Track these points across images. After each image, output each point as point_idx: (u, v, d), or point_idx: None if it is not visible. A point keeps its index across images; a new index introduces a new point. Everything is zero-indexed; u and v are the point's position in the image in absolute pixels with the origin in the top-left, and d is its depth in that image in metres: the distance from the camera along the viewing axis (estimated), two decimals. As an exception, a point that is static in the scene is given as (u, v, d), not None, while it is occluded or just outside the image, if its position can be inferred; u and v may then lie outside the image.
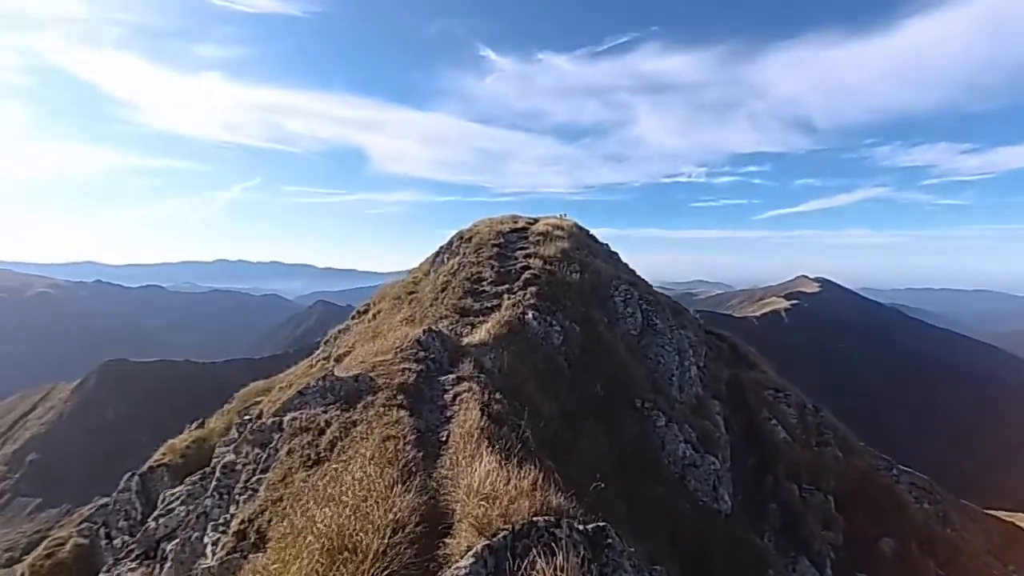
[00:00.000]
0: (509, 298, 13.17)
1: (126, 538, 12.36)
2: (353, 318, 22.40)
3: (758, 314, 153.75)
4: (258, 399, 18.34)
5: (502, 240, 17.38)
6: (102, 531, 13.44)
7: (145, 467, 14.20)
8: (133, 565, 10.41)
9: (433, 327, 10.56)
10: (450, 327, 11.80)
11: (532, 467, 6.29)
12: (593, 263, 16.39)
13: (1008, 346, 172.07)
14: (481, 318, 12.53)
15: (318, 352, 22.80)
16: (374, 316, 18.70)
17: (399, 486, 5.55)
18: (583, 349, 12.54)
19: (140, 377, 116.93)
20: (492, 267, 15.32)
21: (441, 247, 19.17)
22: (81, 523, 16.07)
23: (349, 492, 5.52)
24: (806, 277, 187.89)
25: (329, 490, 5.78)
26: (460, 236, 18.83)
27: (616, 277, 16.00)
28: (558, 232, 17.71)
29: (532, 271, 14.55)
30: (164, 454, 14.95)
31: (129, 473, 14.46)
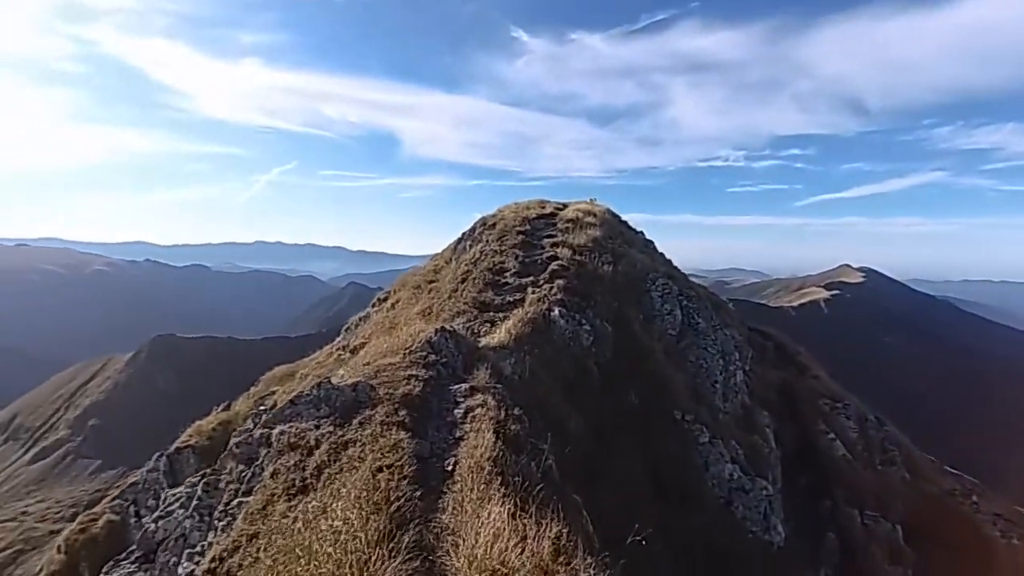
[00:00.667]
0: (534, 292, 11.85)
1: (149, 522, 12.01)
2: (374, 305, 21.59)
3: (795, 304, 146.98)
4: (276, 388, 17.87)
5: (528, 227, 15.98)
6: (132, 509, 13.16)
7: (172, 447, 13.82)
8: (132, 568, 9.86)
9: (447, 326, 9.36)
10: (467, 324, 10.60)
11: (555, 514, 5.03)
12: (628, 253, 14.84)
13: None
14: (502, 314, 11.28)
15: (339, 339, 22.16)
16: (393, 305, 17.74)
17: (385, 544, 4.39)
18: (616, 351, 11.15)
19: (188, 352, 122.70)
20: (516, 257, 14.00)
21: (463, 234, 17.94)
22: (113, 499, 16.05)
23: (326, 546, 4.43)
24: (849, 266, 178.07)
25: (305, 539, 4.71)
26: (483, 223, 17.53)
27: (653, 269, 14.43)
28: (589, 219, 16.17)
29: (560, 262, 13.15)
30: (191, 435, 14.55)
31: (158, 453, 14.13)
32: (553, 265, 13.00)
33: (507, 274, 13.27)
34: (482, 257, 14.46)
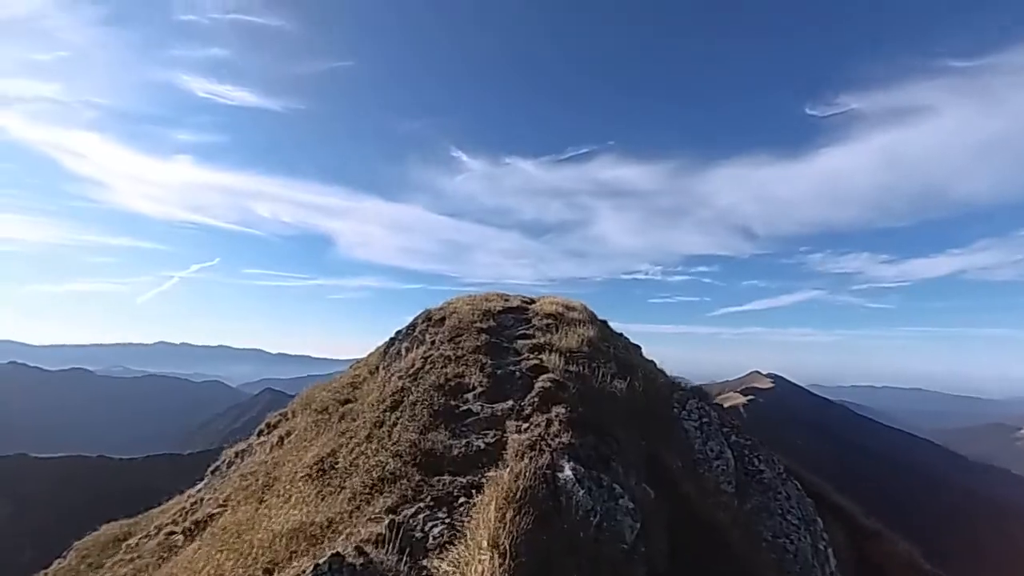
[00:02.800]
0: (521, 429, 6.66)
1: None
2: (260, 433, 14.80)
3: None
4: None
5: (493, 323, 11.11)
6: None
7: None
8: None
9: (348, 553, 3.76)
10: (398, 519, 5.00)
11: None
12: (637, 361, 10.28)
13: (950, 443, 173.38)
14: (468, 477, 5.86)
15: (198, 487, 14.69)
16: (282, 440, 11.39)
17: None
18: (675, 545, 5.91)
19: (34, 474, 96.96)
20: (481, 367, 8.90)
21: (398, 332, 12.66)
22: None
23: None
24: (759, 373, 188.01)
25: None
26: (428, 317, 12.46)
27: (675, 385, 9.84)
28: (574, 314, 11.69)
29: (551, 375, 8.17)
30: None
31: None
32: (542, 381, 7.97)
33: (469, 395, 8.03)
34: (427, 367, 9.20)
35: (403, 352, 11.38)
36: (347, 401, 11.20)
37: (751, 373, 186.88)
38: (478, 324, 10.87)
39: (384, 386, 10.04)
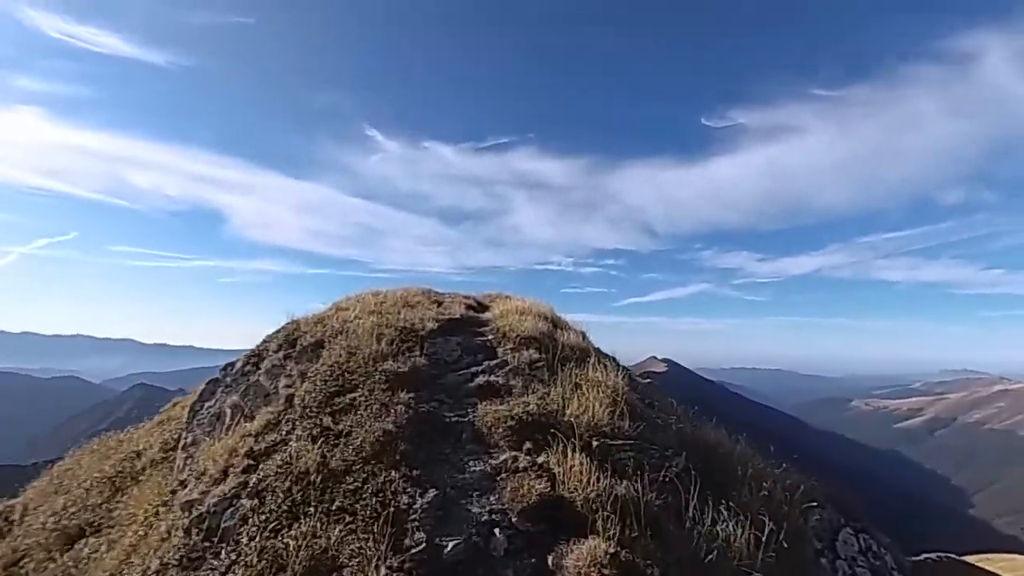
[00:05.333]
0: None
1: None
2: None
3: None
4: None
5: (418, 360, 5.52)
6: None
7: None
8: None
9: None
10: None
11: None
12: (714, 439, 5.38)
13: (798, 414, 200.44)
14: None
15: None
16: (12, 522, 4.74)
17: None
18: None
19: None
20: (408, 479, 3.41)
21: (225, 371, 6.54)
22: None
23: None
24: (655, 358, 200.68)
25: None
26: (290, 340, 6.49)
27: (807, 495, 5.06)
28: (569, 337, 6.46)
29: (600, 551, 2.97)
30: None
31: None
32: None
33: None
34: (264, 491, 3.45)
35: (224, 419, 5.40)
36: (120, 486, 5.02)
37: (649, 359, 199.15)
38: (390, 366, 5.22)
39: (169, 511, 4.17)
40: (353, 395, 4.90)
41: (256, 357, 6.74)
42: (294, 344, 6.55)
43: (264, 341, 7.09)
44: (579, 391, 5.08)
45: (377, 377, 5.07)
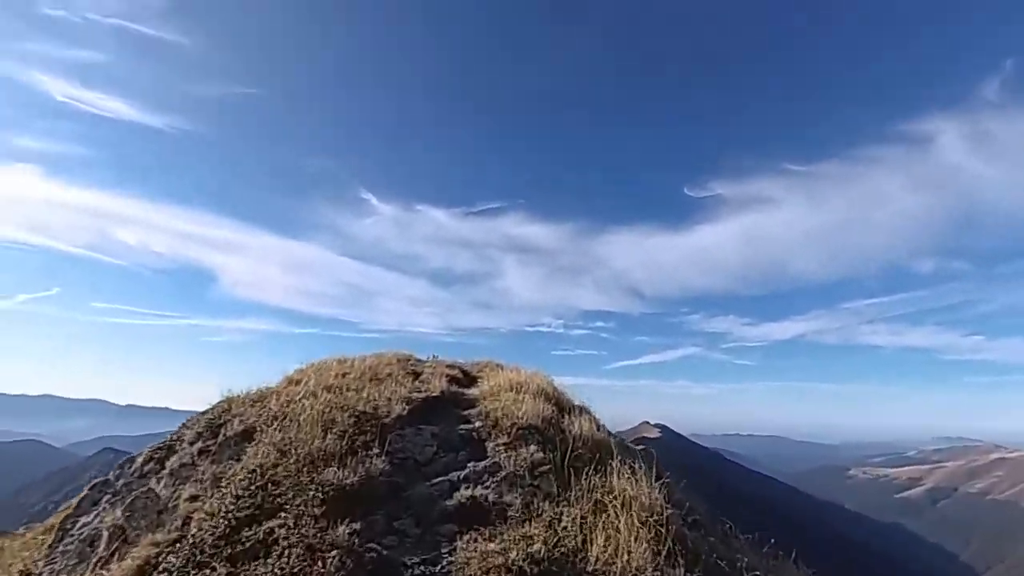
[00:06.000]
0: None
1: None
2: None
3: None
4: None
5: (379, 464, 3.94)
6: None
7: None
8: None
9: None
10: None
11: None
12: None
13: (800, 485, 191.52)
14: None
15: None
16: None
17: None
18: None
19: None
20: None
21: (121, 468, 4.84)
22: None
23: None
24: (648, 423, 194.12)
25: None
26: (213, 427, 4.86)
27: None
28: (588, 428, 4.93)
29: None
30: None
31: None
32: None
33: None
34: None
35: (97, 548, 3.68)
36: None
37: (642, 423, 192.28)
38: (333, 475, 3.61)
39: None
40: (272, 524, 3.27)
41: (164, 450, 5.05)
42: (217, 432, 4.90)
43: (182, 427, 5.43)
44: (603, 514, 3.50)
45: (311, 494, 3.45)
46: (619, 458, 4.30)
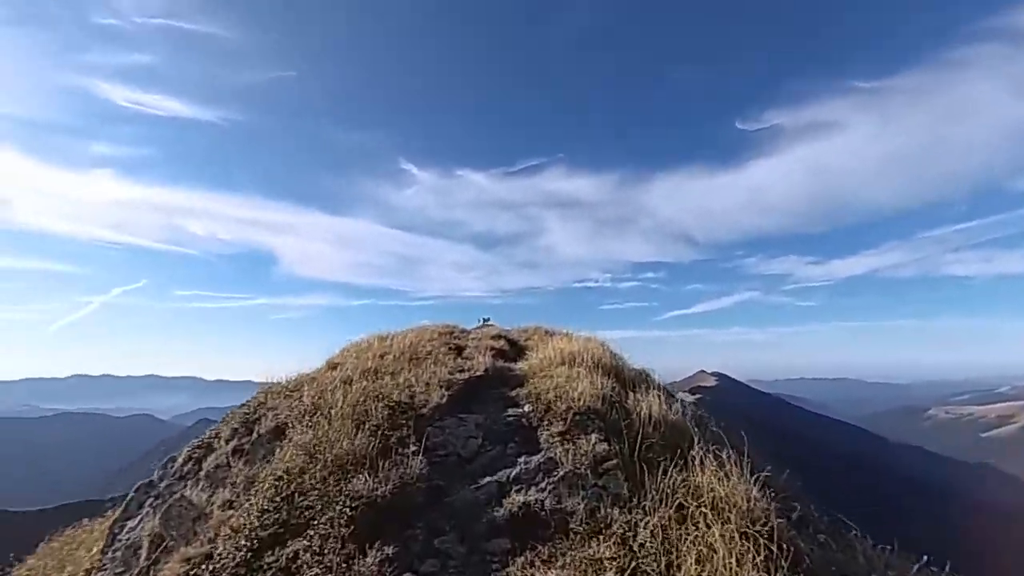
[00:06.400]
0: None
1: None
2: None
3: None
4: None
5: (401, 468, 3.40)
6: None
7: None
8: None
9: None
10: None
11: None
12: None
13: (872, 427, 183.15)
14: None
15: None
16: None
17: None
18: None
19: None
20: None
21: (164, 469, 4.68)
22: None
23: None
24: (704, 372, 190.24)
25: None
26: (248, 423, 4.56)
27: None
28: (657, 408, 4.15)
29: None
30: None
31: None
32: None
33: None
34: None
35: (140, 556, 3.49)
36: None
37: (698, 373, 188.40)
38: (362, 485, 3.10)
39: None
40: (296, 546, 2.83)
41: (203, 449, 4.83)
42: (252, 429, 4.60)
43: (221, 422, 5.20)
44: (690, 524, 2.78)
45: (339, 508, 2.98)
46: (701, 445, 3.51)
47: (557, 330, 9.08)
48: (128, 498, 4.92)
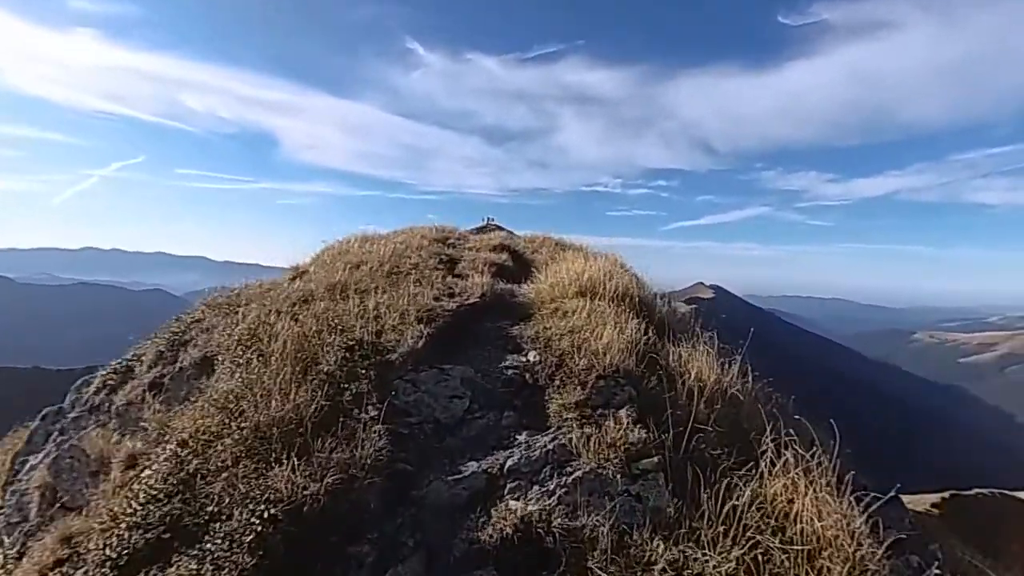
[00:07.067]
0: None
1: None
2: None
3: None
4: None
5: (353, 450, 2.40)
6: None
7: None
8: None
9: None
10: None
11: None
12: None
13: (857, 346, 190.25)
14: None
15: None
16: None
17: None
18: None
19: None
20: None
21: (77, 393, 3.76)
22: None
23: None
24: (703, 284, 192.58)
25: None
26: (174, 344, 3.55)
27: None
28: (708, 369, 3.08)
29: None
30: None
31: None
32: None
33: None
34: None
35: (27, 513, 2.67)
36: None
37: (696, 284, 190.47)
38: (287, 493, 2.10)
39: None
40: (176, 574, 1.89)
41: (120, 375, 3.87)
42: (176, 355, 3.58)
43: (151, 340, 4.19)
44: (770, 563, 1.81)
45: (246, 516, 1.99)
46: (774, 429, 2.44)
47: (570, 243, 7.78)
48: (34, 426, 4.12)
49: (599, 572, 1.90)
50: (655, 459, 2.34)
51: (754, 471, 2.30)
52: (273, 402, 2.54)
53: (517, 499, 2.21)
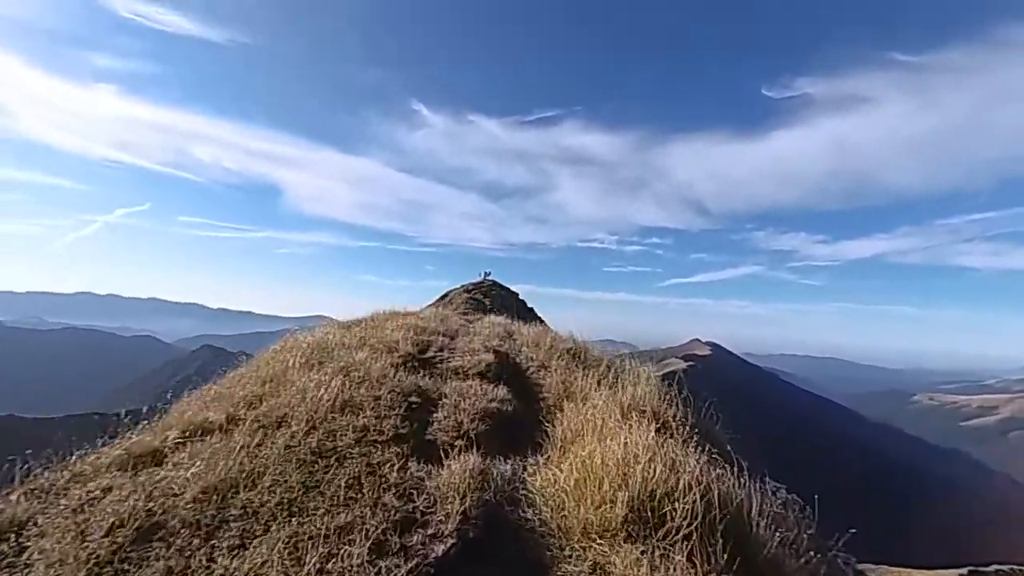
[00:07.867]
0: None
1: None
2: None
3: (660, 374, 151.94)
4: None
5: None
6: None
7: None
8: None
9: None
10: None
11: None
12: None
13: (856, 407, 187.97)
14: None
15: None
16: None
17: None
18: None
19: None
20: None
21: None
22: None
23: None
24: (699, 341, 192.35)
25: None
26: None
27: None
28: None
29: None
30: None
31: None
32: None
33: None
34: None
35: None
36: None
37: (692, 341, 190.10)
38: None
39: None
40: None
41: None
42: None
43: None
44: None
45: None
46: None
47: (586, 353, 6.58)
48: None
49: None
50: None
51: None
52: None
53: None
